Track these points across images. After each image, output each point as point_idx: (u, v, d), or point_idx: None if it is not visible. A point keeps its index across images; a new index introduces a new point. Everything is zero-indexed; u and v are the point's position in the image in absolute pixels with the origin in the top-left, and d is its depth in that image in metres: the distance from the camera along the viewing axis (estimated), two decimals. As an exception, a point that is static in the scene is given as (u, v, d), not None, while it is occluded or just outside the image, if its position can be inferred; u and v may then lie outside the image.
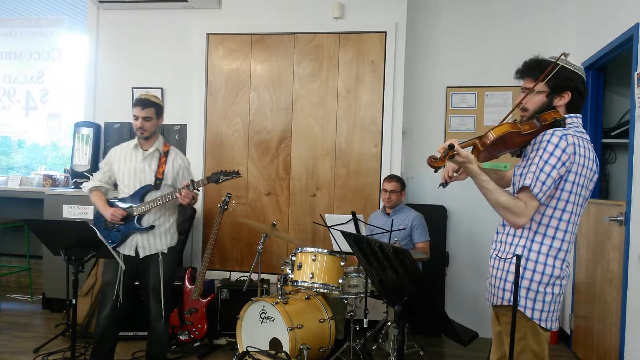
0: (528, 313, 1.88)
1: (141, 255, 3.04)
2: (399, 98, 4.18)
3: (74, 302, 2.61)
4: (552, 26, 4.25)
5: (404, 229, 3.66)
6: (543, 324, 1.89)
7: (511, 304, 1.90)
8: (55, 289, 4.36)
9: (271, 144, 4.39)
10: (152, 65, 4.60)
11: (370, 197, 4.25)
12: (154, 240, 3.06)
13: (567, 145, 1.77)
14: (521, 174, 1.87)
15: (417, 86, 4.43)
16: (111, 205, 3.06)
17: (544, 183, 1.78)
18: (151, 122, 3.02)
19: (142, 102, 3.00)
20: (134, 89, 4.57)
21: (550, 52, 4.22)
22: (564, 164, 1.78)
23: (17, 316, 4.40)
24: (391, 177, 3.79)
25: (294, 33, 4.33)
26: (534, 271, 1.87)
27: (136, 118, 3.01)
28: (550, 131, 1.82)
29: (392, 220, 3.60)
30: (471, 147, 1.88)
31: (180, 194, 2.94)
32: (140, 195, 3.02)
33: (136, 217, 3.01)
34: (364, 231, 3.50)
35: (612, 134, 4.00)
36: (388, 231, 3.32)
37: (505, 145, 1.90)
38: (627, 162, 3.12)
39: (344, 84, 4.27)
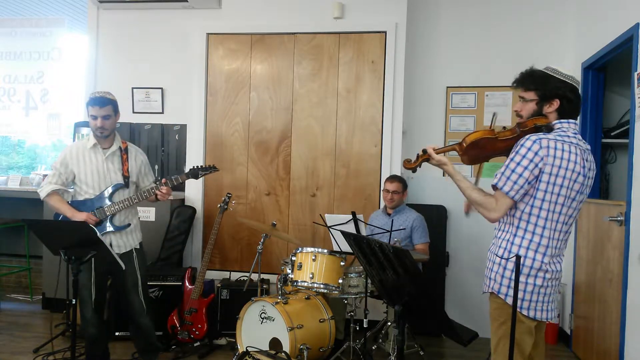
0: (509, 300, 2.01)
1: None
2: (399, 98, 4.18)
3: (74, 302, 2.61)
4: (552, 26, 4.25)
5: (404, 229, 3.66)
6: (525, 312, 2.01)
7: (493, 291, 2.07)
8: (55, 289, 4.35)
9: (271, 144, 4.39)
10: (152, 65, 4.60)
11: (370, 197, 4.25)
12: (127, 237, 3.06)
13: (540, 149, 1.93)
14: (496, 174, 2.05)
15: (417, 86, 4.43)
16: (75, 207, 2.98)
17: (515, 182, 1.96)
18: (110, 120, 2.97)
19: (100, 101, 2.93)
20: (134, 89, 4.57)
21: (550, 52, 4.22)
22: (536, 165, 1.93)
23: (17, 316, 4.40)
24: (393, 178, 3.79)
25: (294, 33, 4.33)
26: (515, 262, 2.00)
27: (94, 118, 2.94)
28: (527, 136, 1.98)
29: (392, 220, 3.60)
30: (451, 151, 2.15)
31: (161, 192, 2.95)
32: (108, 194, 3.00)
33: (109, 217, 2.99)
34: (364, 231, 3.50)
35: (612, 134, 4.00)
36: (388, 231, 3.32)
37: (486, 150, 2.12)
38: (627, 162, 3.12)
39: (344, 84, 4.27)
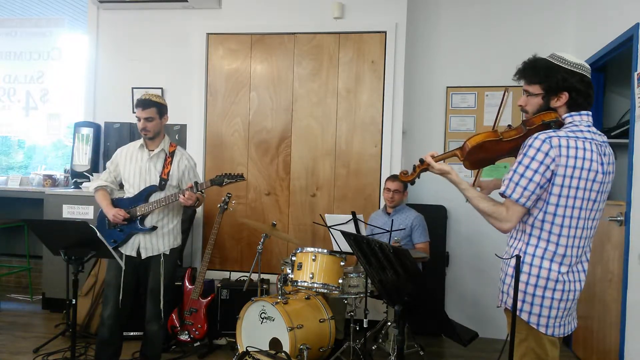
0: (524, 316, 1.86)
1: (143, 256, 3.03)
2: (399, 98, 4.18)
3: (74, 302, 2.60)
4: (552, 26, 4.25)
5: (404, 229, 3.66)
6: (542, 330, 1.84)
7: (506, 305, 1.91)
8: (55, 289, 4.36)
9: (271, 144, 4.39)
10: (152, 65, 4.60)
11: (370, 197, 4.25)
12: (157, 241, 3.05)
13: (551, 148, 1.75)
14: (503, 180, 1.87)
15: (417, 86, 4.43)
16: (116, 204, 3.05)
17: (525, 188, 1.77)
18: (153, 122, 3.00)
19: (143, 103, 2.99)
20: (134, 89, 4.57)
21: (550, 52, 4.21)
22: (547, 167, 1.75)
23: (17, 316, 4.40)
24: (395, 177, 3.79)
25: (294, 33, 4.33)
26: (529, 274, 1.84)
27: (138, 119, 3.01)
28: (534, 135, 1.79)
29: (392, 220, 3.60)
30: (452, 157, 1.97)
31: (184, 196, 2.92)
32: (144, 195, 3.01)
33: (139, 217, 3.00)
34: (363, 231, 3.50)
35: (612, 134, 3.99)
36: (388, 231, 3.32)
37: (491, 152, 1.95)
38: (627, 162, 3.12)
39: (344, 84, 4.27)
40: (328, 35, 4.28)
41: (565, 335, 1.91)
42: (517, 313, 1.83)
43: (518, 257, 1.78)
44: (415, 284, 1.91)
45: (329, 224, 3.42)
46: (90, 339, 3.70)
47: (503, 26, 4.33)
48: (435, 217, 4.24)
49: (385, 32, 4.19)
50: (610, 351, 3.23)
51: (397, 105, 4.19)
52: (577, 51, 4.09)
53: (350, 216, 3.44)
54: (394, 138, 4.19)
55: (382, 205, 4.01)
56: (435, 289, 4.25)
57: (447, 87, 4.42)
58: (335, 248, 3.47)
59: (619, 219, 3.14)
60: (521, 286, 1.83)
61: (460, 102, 4.41)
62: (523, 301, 1.85)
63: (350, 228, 3.42)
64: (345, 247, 3.26)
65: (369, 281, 3.24)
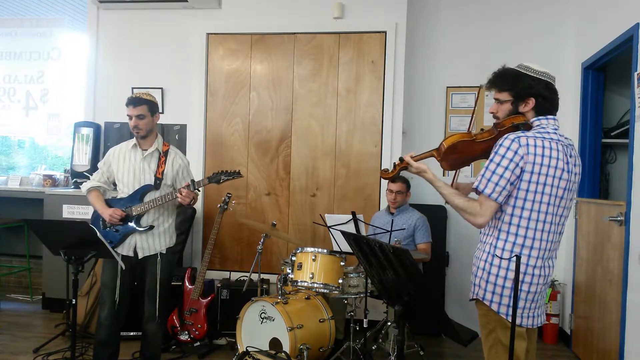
0: (494, 307, 1.97)
1: (140, 256, 3.02)
2: (399, 98, 4.18)
3: (74, 302, 2.60)
4: (552, 26, 4.26)
5: (404, 229, 3.66)
6: (510, 319, 1.92)
7: (478, 297, 2.03)
8: (55, 289, 4.36)
9: (271, 144, 4.39)
10: (152, 65, 4.60)
11: (370, 197, 4.25)
12: (153, 240, 3.04)
13: (519, 147, 1.88)
14: (477, 177, 1.99)
15: (417, 86, 4.43)
16: (110, 205, 3.03)
17: (497, 184, 1.90)
18: (145, 120, 2.98)
19: (134, 101, 2.98)
20: (134, 89, 4.57)
21: (550, 52, 4.21)
22: (517, 164, 1.88)
23: (17, 316, 4.40)
24: (397, 178, 3.77)
25: (294, 33, 4.33)
26: (499, 267, 1.96)
27: (130, 117, 2.98)
28: (505, 135, 1.93)
29: (393, 220, 3.60)
30: (429, 157, 2.08)
31: (181, 194, 2.91)
32: (139, 195, 3.00)
33: (135, 217, 3.00)
34: (364, 231, 3.50)
35: (612, 134, 4.00)
36: (388, 231, 3.31)
37: (465, 153, 2.06)
38: (627, 162, 3.12)
39: (344, 84, 4.27)
40: (328, 35, 4.28)
41: (535, 326, 2.03)
42: (488, 304, 1.98)
43: (518, 257, 1.82)
44: (415, 284, 1.91)
45: (329, 224, 3.42)
46: (90, 339, 3.69)
47: (503, 26, 4.33)
48: (436, 218, 4.24)
49: (385, 32, 4.19)
50: (610, 351, 3.23)
51: (397, 105, 4.19)
52: (577, 51, 4.09)
53: (350, 216, 3.45)
54: (394, 138, 4.19)
55: (385, 205, 4.01)
56: (435, 289, 4.24)
57: (447, 87, 4.42)
58: (335, 248, 3.47)
59: (619, 219, 3.14)
60: (491, 278, 1.97)
61: (460, 102, 4.41)
62: (493, 292, 1.97)
63: (350, 228, 3.42)
64: (345, 247, 3.26)
65: (369, 281, 3.24)
